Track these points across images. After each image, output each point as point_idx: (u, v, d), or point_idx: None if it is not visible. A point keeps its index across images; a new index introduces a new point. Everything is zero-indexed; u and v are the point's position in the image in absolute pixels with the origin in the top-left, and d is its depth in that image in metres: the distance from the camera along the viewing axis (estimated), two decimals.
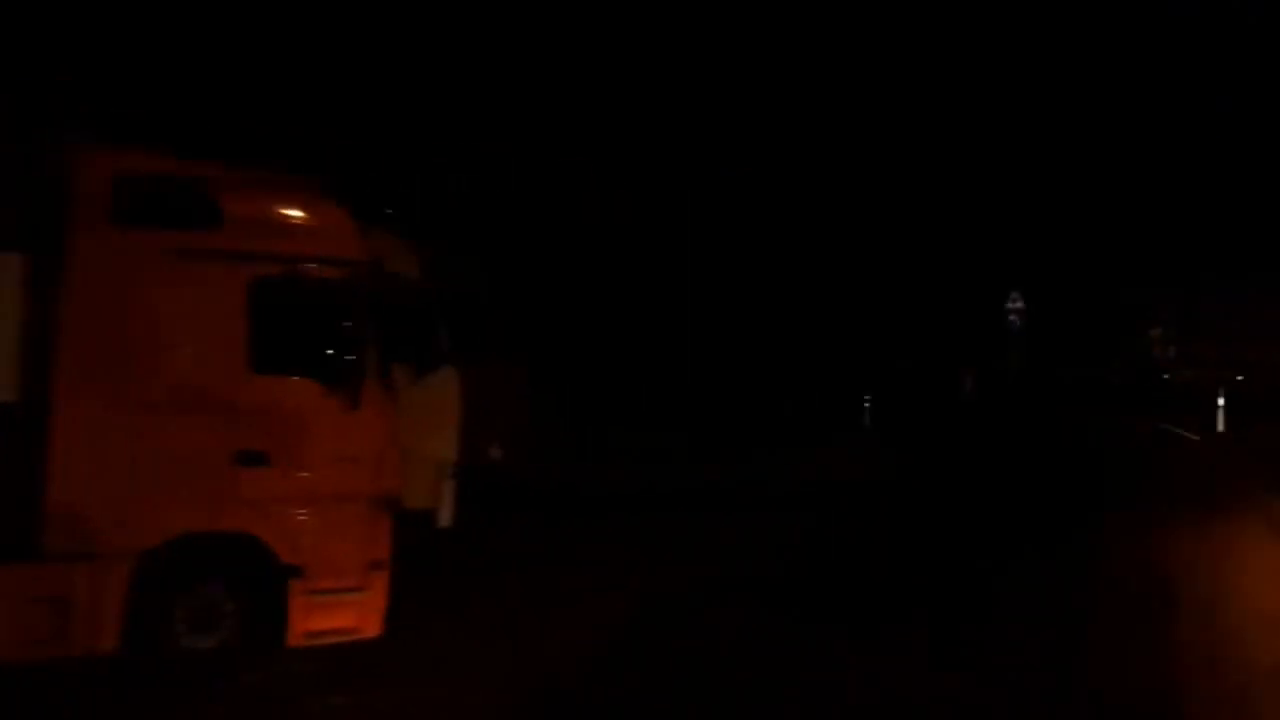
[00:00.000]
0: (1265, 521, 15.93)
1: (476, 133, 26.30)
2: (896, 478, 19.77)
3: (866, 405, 27.37)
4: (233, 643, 7.74)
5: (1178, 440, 26.56)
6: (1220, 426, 27.25)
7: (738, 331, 36.60)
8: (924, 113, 46.61)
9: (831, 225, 43.08)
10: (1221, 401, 27.45)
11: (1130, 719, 8.03)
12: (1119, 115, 48.46)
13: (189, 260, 7.72)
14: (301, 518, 7.91)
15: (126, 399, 7.56)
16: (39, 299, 7.53)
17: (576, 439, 17.53)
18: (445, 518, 10.98)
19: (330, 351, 8.05)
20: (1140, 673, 8.75)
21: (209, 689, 7.68)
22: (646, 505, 15.28)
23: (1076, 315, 46.23)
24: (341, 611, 8.04)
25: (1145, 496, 18.12)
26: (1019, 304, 40.53)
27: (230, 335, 7.80)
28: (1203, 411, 31.08)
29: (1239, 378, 42.18)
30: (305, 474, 7.93)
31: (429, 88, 26.20)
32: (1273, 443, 24.51)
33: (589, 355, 22.55)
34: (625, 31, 31.80)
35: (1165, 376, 43.48)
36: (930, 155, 47.47)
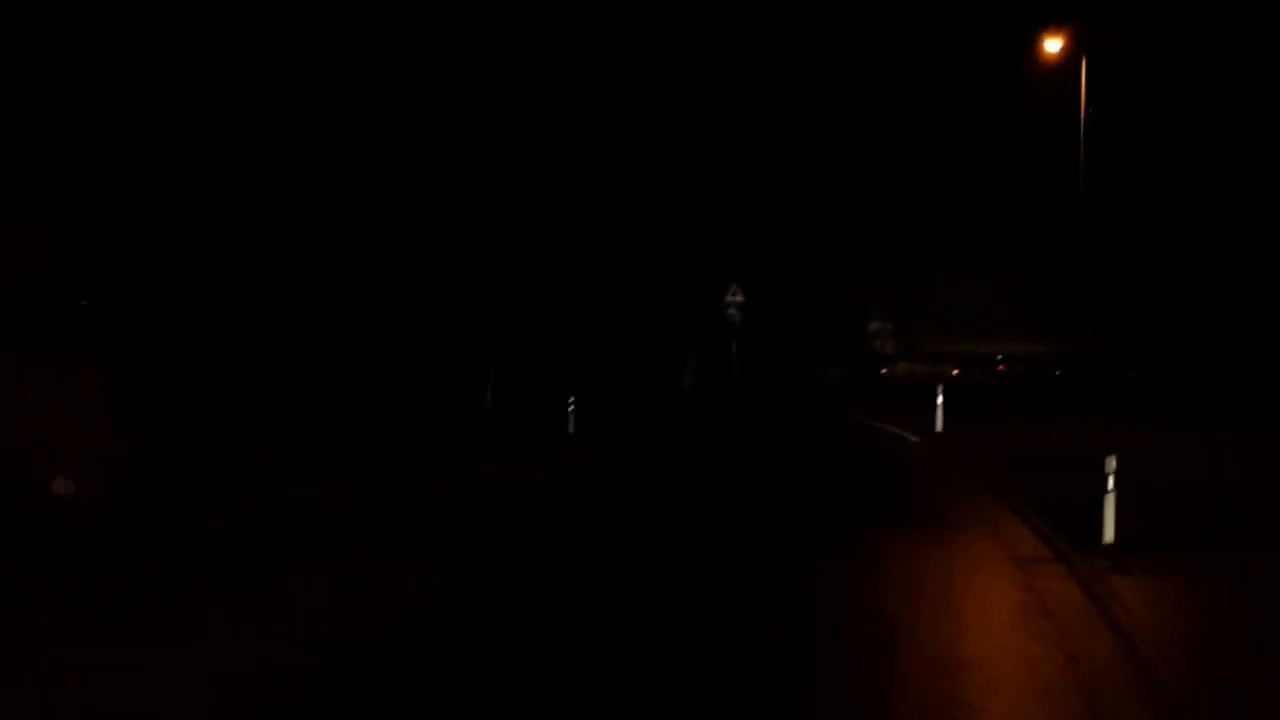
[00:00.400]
0: (992, 540, 14.34)
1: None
2: (585, 494, 17.56)
3: (571, 410, 25.14)
4: None
5: (897, 441, 25.29)
6: (939, 426, 26.14)
7: (418, 318, 33.75)
8: (644, 99, 45.32)
9: (536, 217, 41.14)
10: (940, 400, 26.35)
11: None
12: (840, 110, 47.95)
13: None
14: None
15: None
16: None
17: (184, 458, 14.41)
18: None
19: None
20: None
21: None
22: (260, 541, 12.39)
23: (797, 308, 45.34)
24: None
25: (867, 510, 16.40)
26: (738, 297, 39.08)
27: None
28: (921, 408, 30.19)
29: (954, 372, 41.99)
30: None
31: None
32: (992, 445, 23.45)
33: (209, 349, 19.22)
34: None
35: (883, 371, 42.98)
36: (648, 148, 46.14)
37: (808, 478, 19.71)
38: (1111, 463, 13.45)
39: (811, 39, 47.07)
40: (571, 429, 24.65)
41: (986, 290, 42.25)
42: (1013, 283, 42.20)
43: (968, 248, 45.69)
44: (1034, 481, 18.00)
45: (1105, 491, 13.42)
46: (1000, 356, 41.90)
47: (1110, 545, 13.14)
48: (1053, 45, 26.37)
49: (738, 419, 30.97)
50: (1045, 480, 18.17)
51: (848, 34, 47.22)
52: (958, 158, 45.77)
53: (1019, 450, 22.53)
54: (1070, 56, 26.61)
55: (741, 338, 39.52)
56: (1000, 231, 45.05)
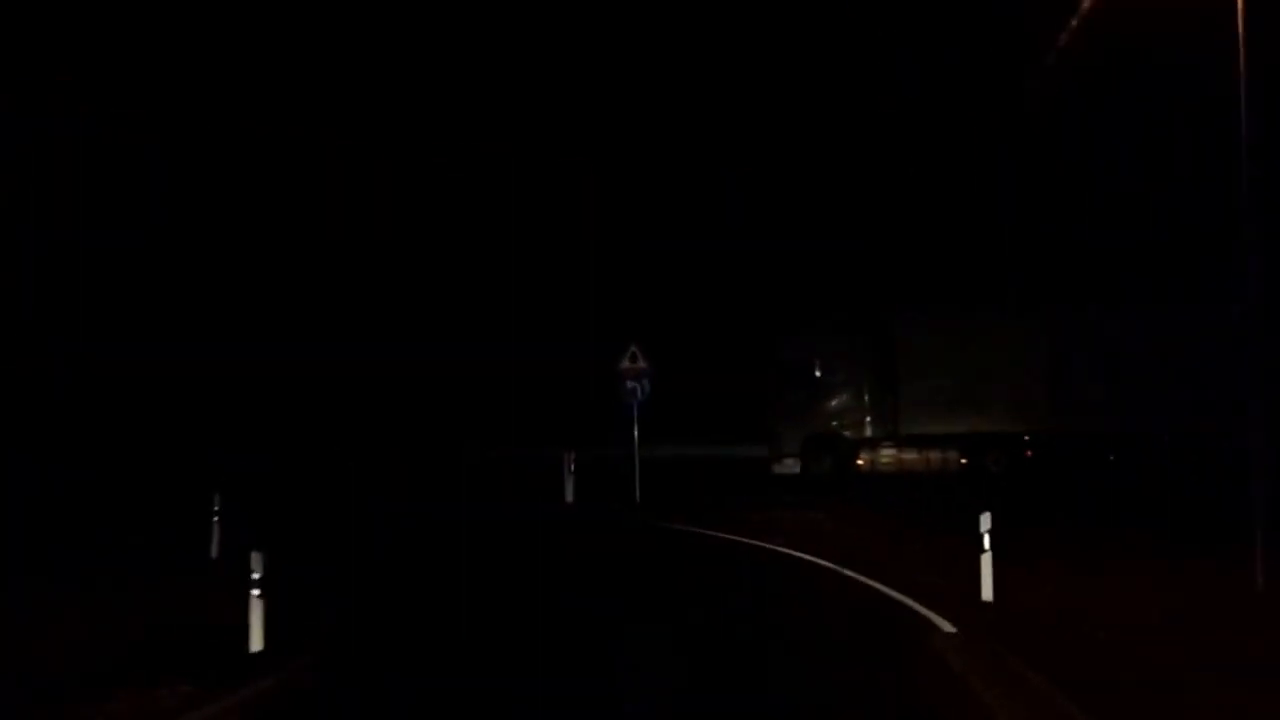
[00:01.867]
0: None
1: None
2: None
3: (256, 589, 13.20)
4: None
5: (906, 636, 13.51)
6: (987, 586, 14.41)
7: None
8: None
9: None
10: (988, 528, 14.62)
11: None
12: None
13: None
14: None
15: None
16: None
17: None
18: None
19: None
20: None
21: None
22: None
23: (724, 375, 33.98)
24: None
25: None
26: (639, 363, 27.51)
27: None
28: (926, 526, 18.92)
29: (962, 461, 30.64)
30: None
31: None
32: (1134, 655, 11.82)
33: None
34: None
35: (859, 461, 31.38)
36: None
37: None
38: None
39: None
40: (259, 645, 12.74)
41: (1002, 335, 30.91)
42: (1036, 326, 30.91)
43: (966, 278, 34.80)
44: None
45: None
46: (1027, 437, 30.45)
47: None
48: None
49: (622, 572, 19.05)
50: None
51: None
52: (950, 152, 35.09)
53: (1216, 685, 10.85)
54: None
55: (646, 422, 27.90)
56: (1014, 255, 34.42)
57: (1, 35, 31.23)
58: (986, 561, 14.47)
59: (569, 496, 27.60)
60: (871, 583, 16.21)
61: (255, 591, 12.78)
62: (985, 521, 14.55)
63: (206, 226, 36.83)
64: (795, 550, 19.42)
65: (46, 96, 32.40)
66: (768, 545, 20.26)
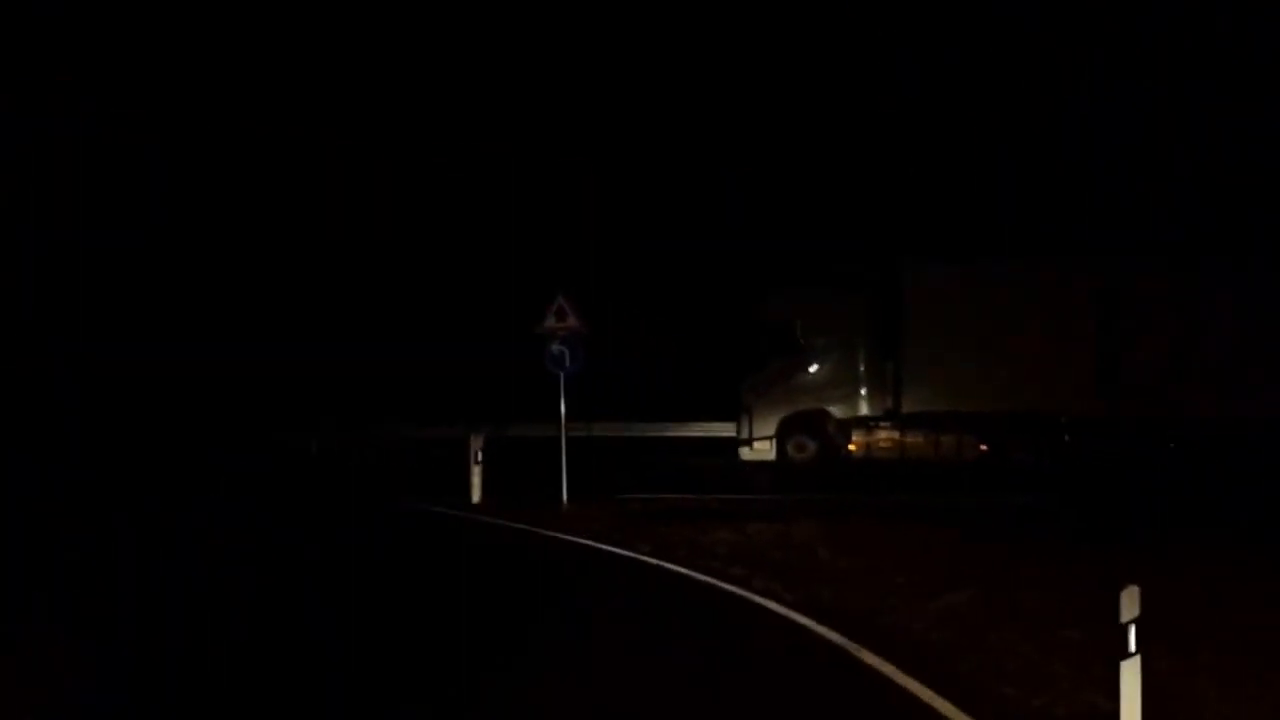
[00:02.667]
0: None
1: None
2: None
3: None
4: None
5: None
6: None
7: None
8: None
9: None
10: (1133, 631, 8.13)
11: None
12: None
13: None
14: None
15: None
16: None
17: None
18: None
19: None
20: None
21: None
22: None
23: (699, 339, 27.89)
24: None
25: None
26: (568, 320, 20.92)
27: None
28: (944, 544, 12.36)
29: (981, 448, 24.51)
30: None
31: None
32: None
33: None
34: None
35: (850, 446, 25.09)
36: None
37: None
38: None
39: None
40: None
41: (1037, 291, 24.60)
42: (1082, 280, 24.57)
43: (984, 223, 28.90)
44: None
45: None
46: (1065, 419, 24.14)
47: None
48: None
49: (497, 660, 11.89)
50: None
51: None
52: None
53: None
54: None
55: (578, 394, 21.35)
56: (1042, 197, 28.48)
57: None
58: (1132, 675, 7.89)
59: (476, 496, 21.03)
60: (910, 684, 9.62)
61: None
62: (1130, 605, 7.91)
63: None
64: (779, 604, 12.16)
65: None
66: (740, 591, 12.96)
